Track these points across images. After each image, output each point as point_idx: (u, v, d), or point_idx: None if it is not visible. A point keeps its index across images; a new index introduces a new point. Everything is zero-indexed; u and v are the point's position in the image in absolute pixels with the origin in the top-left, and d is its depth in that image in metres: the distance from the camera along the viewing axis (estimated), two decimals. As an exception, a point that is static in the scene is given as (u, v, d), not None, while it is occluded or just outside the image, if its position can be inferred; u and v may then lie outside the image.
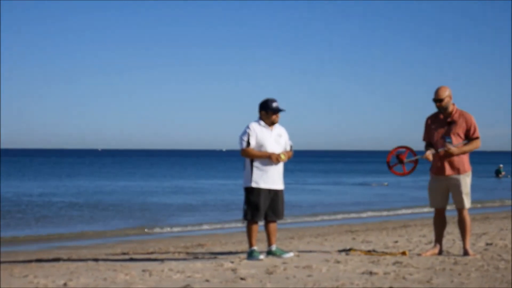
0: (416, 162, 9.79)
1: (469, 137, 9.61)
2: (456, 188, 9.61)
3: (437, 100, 9.64)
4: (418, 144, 9.99)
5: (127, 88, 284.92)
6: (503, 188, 42.67)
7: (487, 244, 11.04)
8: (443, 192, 9.72)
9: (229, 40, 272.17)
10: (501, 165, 62.37)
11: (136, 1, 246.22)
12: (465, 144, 9.59)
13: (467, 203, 9.63)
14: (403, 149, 9.84)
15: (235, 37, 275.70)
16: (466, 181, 9.62)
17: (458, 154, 9.54)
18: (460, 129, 9.59)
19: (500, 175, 58.81)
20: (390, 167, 9.93)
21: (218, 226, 20.78)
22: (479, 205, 27.19)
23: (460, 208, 9.66)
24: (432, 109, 9.81)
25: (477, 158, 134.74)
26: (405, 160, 9.76)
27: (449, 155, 9.53)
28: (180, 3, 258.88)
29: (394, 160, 9.85)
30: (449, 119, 9.66)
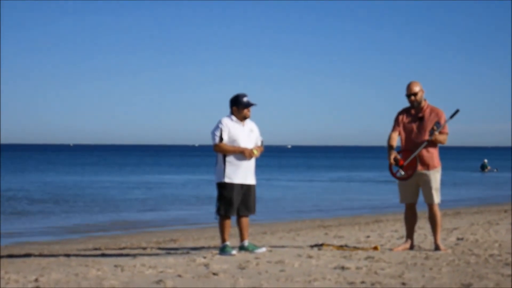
0: (415, 160, 9.66)
1: (439, 132, 9.67)
2: (426, 184, 9.67)
3: (411, 94, 9.68)
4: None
5: (100, 82, 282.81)
6: (487, 183, 43.15)
7: (458, 239, 11.13)
8: (413, 188, 9.78)
9: (213, 37, 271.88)
10: (486, 160, 62.92)
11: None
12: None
13: (437, 198, 9.70)
14: (399, 155, 9.76)
15: (219, 34, 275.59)
16: (435, 176, 9.69)
17: (435, 141, 9.58)
18: (431, 124, 9.65)
19: (485, 170, 59.37)
20: (393, 174, 9.82)
21: (191, 221, 20.66)
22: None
23: (430, 204, 9.72)
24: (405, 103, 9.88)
25: (476, 153, 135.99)
26: (404, 163, 9.66)
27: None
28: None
29: (396, 168, 9.74)
30: (420, 114, 9.71)
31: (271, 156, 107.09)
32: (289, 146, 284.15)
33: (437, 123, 9.62)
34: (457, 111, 9.82)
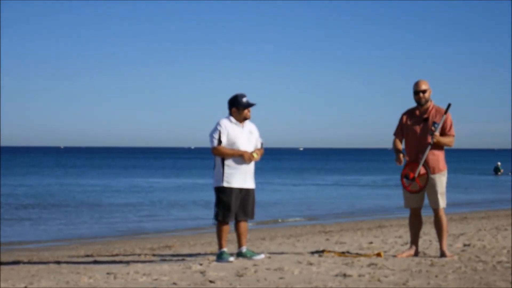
0: (426, 172, 9.48)
1: (444, 134, 9.52)
2: (431, 188, 9.54)
3: (420, 91, 9.53)
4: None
5: (91, 83, 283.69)
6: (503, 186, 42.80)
7: (464, 245, 11.03)
8: (419, 192, 9.60)
9: (213, 34, 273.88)
10: (499, 163, 62.09)
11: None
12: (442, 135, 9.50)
13: (442, 202, 9.58)
14: (409, 167, 9.56)
15: (220, 31, 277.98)
16: (441, 180, 9.56)
17: (438, 143, 9.41)
18: (436, 126, 9.51)
19: (499, 173, 58.80)
20: (406, 188, 9.63)
21: (186, 227, 20.55)
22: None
23: (435, 208, 9.60)
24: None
25: (477, 155, 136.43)
26: (415, 175, 9.46)
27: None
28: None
29: (408, 181, 9.56)
30: (425, 115, 9.57)
31: (276, 159, 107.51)
32: (301, 149, 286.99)
33: (434, 123, 9.46)
34: (449, 105, 9.62)
